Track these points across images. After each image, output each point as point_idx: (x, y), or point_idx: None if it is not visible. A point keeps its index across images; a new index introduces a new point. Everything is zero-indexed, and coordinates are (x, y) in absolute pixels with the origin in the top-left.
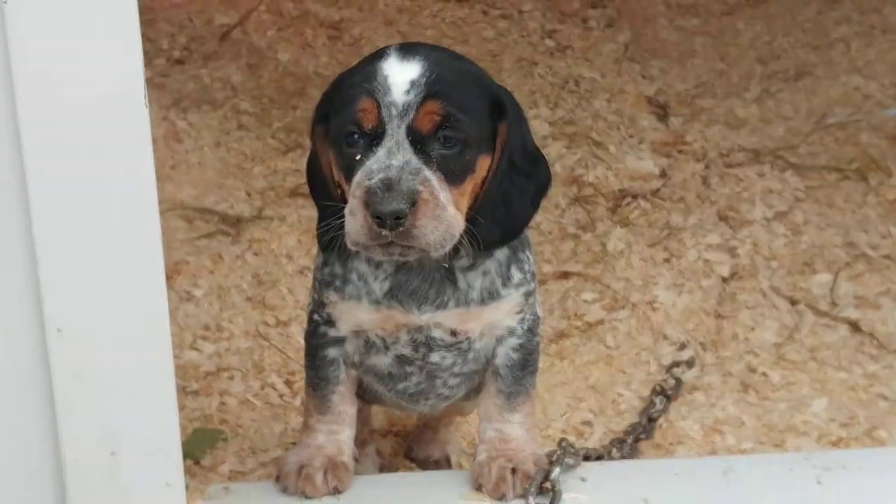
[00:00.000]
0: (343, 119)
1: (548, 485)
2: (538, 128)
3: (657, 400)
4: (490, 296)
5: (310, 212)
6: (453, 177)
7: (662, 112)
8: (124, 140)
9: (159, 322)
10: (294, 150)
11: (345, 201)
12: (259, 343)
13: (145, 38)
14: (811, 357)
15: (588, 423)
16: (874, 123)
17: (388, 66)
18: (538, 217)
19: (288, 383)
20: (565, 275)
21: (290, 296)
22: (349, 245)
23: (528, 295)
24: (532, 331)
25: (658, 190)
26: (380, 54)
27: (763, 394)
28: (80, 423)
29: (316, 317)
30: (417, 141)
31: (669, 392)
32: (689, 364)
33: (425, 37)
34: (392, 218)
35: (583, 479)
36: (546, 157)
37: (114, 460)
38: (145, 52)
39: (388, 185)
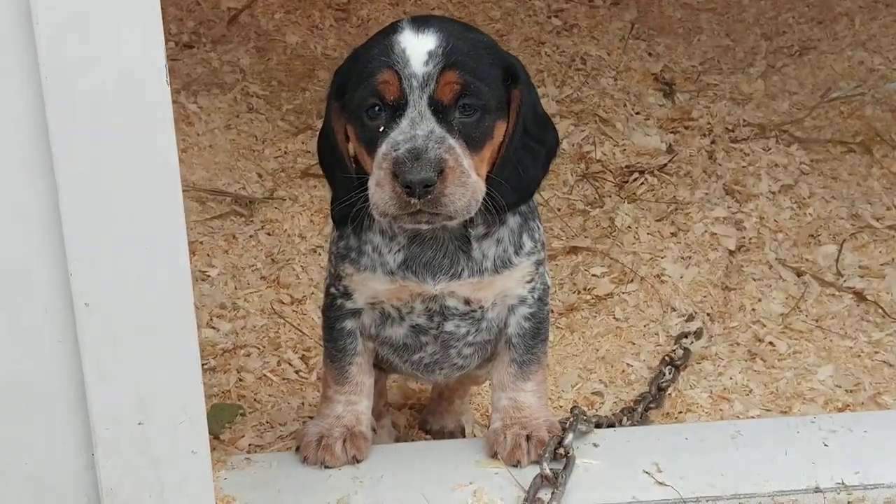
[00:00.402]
0: (364, 92)
1: (561, 450)
2: (546, 106)
3: (666, 370)
4: (503, 264)
5: (321, 192)
6: (474, 143)
7: (668, 89)
8: (147, 118)
9: (182, 295)
10: (304, 131)
11: (361, 176)
12: (274, 320)
13: None
14: (817, 326)
15: (599, 394)
16: (878, 97)
17: (404, 39)
18: (547, 194)
19: (304, 359)
20: (574, 250)
21: (304, 274)
22: (376, 216)
23: (538, 264)
24: (542, 300)
25: (665, 165)
26: (393, 28)
27: (770, 362)
28: (109, 394)
29: (333, 290)
30: (439, 110)
31: (678, 362)
32: (697, 335)
33: None
34: (422, 186)
35: (595, 445)
36: None
37: (141, 430)
38: None
39: (416, 155)
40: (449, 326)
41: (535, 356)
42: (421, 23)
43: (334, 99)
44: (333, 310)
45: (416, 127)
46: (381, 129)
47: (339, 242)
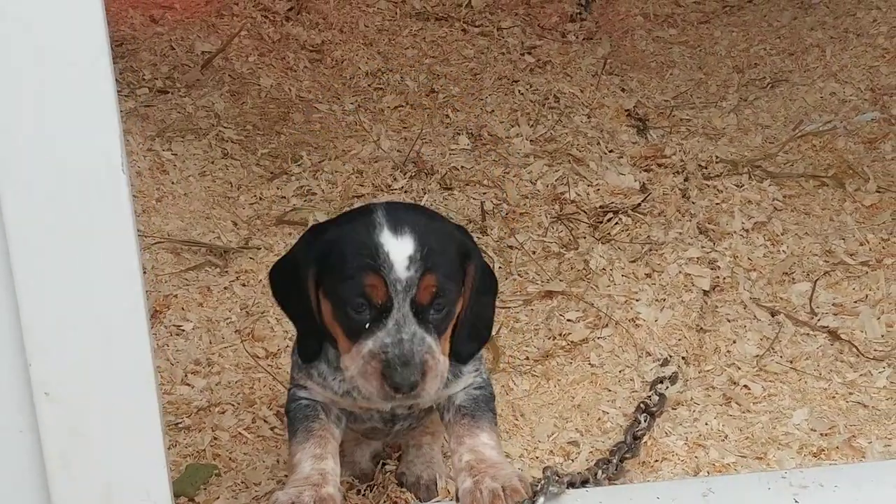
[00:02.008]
0: (350, 290)
1: None
2: (520, 146)
3: (641, 418)
4: (446, 385)
5: (296, 239)
6: (442, 331)
7: (642, 125)
8: (105, 208)
9: (145, 379)
10: (279, 176)
11: (325, 328)
12: (250, 376)
13: (128, 68)
14: (791, 367)
15: (575, 444)
16: (850, 129)
17: (385, 241)
18: (522, 237)
19: (279, 415)
20: (549, 294)
21: (279, 326)
22: (357, 398)
23: (478, 361)
24: (487, 382)
25: (639, 205)
26: (371, 222)
27: (745, 406)
28: (72, 483)
29: (293, 390)
30: (418, 312)
31: (653, 409)
32: (672, 379)
33: (405, 57)
34: (408, 388)
35: None
36: (528, 175)
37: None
38: (128, 83)
39: (405, 361)
40: (400, 425)
41: (487, 414)
42: (396, 220)
43: (312, 265)
44: (294, 401)
45: (402, 330)
46: (366, 325)
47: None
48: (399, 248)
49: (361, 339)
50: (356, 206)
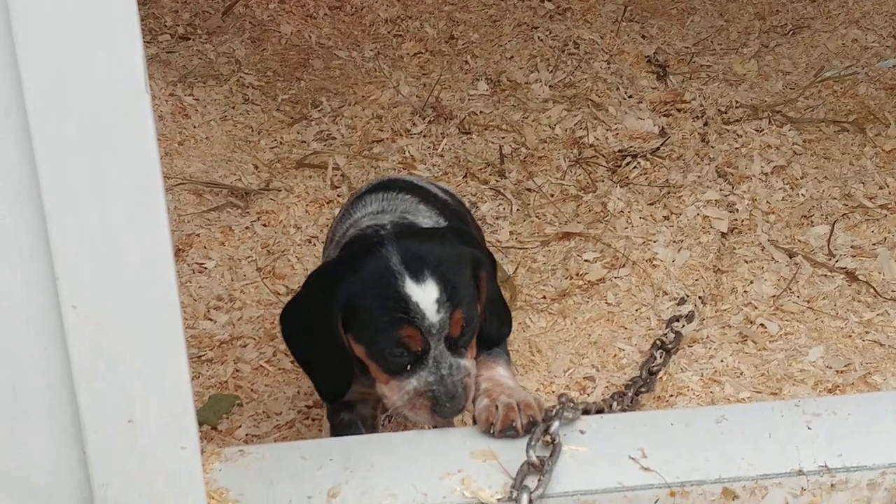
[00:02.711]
0: (386, 341)
1: (548, 438)
2: (538, 92)
3: (657, 354)
4: None
5: (316, 182)
6: (470, 344)
7: (662, 71)
8: (128, 125)
9: (169, 294)
10: (299, 121)
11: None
12: (270, 312)
13: (150, 15)
14: (808, 307)
15: (590, 379)
16: (872, 75)
17: (411, 292)
18: (540, 179)
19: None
20: (567, 235)
21: (299, 265)
22: (402, 421)
23: None
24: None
25: (657, 149)
26: (387, 269)
27: (761, 344)
28: (97, 394)
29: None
30: (451, 344)
31: (669, 346)
32: (689, 318)
33: (425, 4)
34: (457, 414)
35: (582, 432)
36: (547, 120)
37: (131, 427)
38: (150, 29)
39: (452, 395)
40: None
41: (502, 354)
42: (413, 262)
43: (337, 313)
44: (338, 422)
45: (441, 366)
46: (407, 367)
47: None
48: (426, 296)
49: (402, 376)
50: (376, 180)
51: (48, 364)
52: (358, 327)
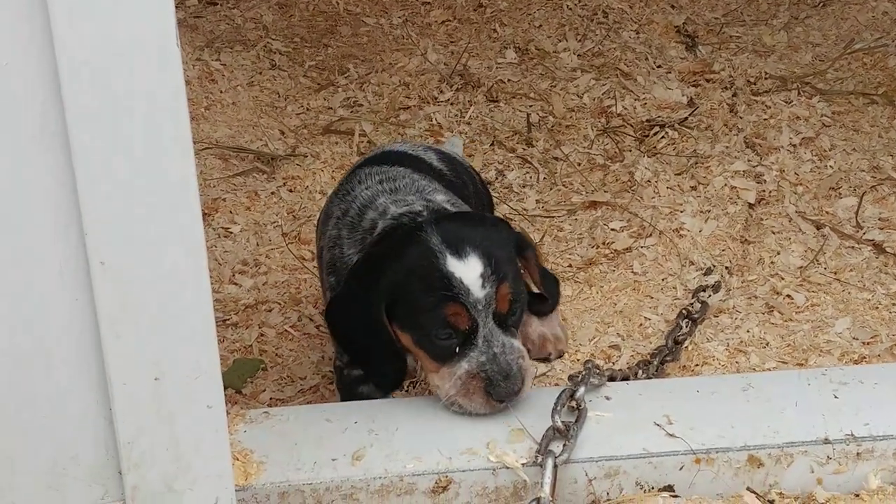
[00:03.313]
0: (432, 322)
1: (573, 403)
2: (566, 60)
3: (683, 323)
4: None
5: (342, 148)
6: (520, 324)
7: (691, 41)
8: (159, 80)
9: (197, 254)
10: (326, 87)
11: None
12: (295, 276)
13: None
14: (835, 278)
15: (616, 347)
16: None
17: (454, 268)
18: (567, 148)
19: (324, 314)
20: (594, 204)
21: None
22: (459, 412)
23: None
24: None
25: (685, 119)
26: (427, 249)
27: (787, 315)
28: (125, 351)
29: (338, 363)
30: (501, 321)
31: (695, 315)
32: (715, 288)
33: None
34: (513, 395)
35: (607, 398)
36: (575, 89)
37: (157, 385)
38: None
39: (506, 374)
40: None
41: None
42: (453, 240)
43: (381, 301)
44: (343, 380)
45: (492, 345)
46: (455, 350)
47: None
48: (469, 271)
49: (452, 361)
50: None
51: (76, 320)
52: (403, 314)
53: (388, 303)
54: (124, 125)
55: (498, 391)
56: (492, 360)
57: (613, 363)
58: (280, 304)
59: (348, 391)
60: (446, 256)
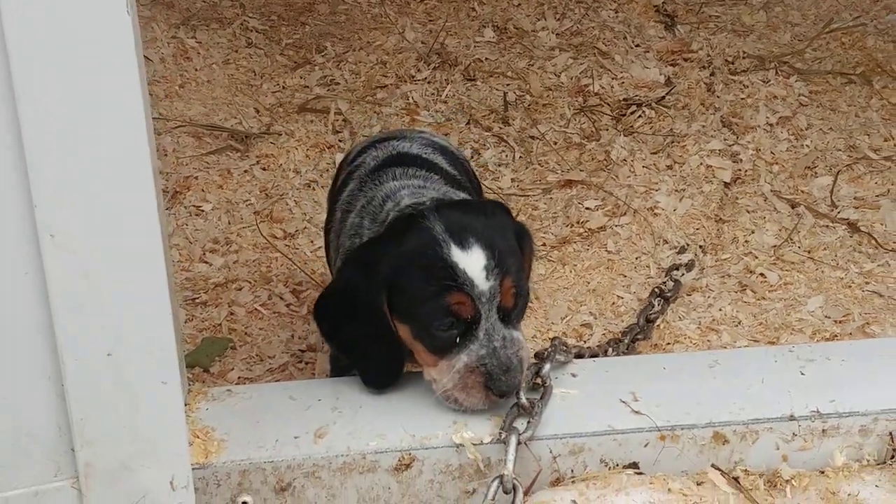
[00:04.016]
0: (434, 311)
1: (538, 380)
2: (545, 39)
3: (655, 302)
4: None
5: (318, 126)
6: (522, 318)
7: (670, 21)
8: (109, 48)
9: (150, 223)
10: (302, 66)
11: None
12: (267, 255)
13: None
14: (809, 257)
15: (588, 326)
16: (881, 28)
17: (458, 258)
18: (543, 127)
19: (295, 293)
20: (569, 183)
21: (297, 208)
22: (456, 408)
23: None
24: None
25: (663, 98)
26: (431, 238)
27: (760, 294)
28: (77, 326)
29: (334, 352)
30: (504, 315)
31: (668, 294)
32: (689, 267)
33: None
34: (513, 389)
35: (573, 375)
36: (552, 67)
37: (111, 361)
38: None
39: (506, 369)
40: None
41: None
42: (456, 230)
43: (382, 291)
44: (338, 361)
45: (493, 338)
46: (455, 341)
47: None
48: (473, 262)
49: (451, 354)
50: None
51: (27, 294)
52: (403, 303)
53: (389, 293)
54: (75, 95)
55: (498, 385)
56: (492, 354)
57: (585, 341)
58: (250, 282)
59: (340, 372)
60: (450, 246)
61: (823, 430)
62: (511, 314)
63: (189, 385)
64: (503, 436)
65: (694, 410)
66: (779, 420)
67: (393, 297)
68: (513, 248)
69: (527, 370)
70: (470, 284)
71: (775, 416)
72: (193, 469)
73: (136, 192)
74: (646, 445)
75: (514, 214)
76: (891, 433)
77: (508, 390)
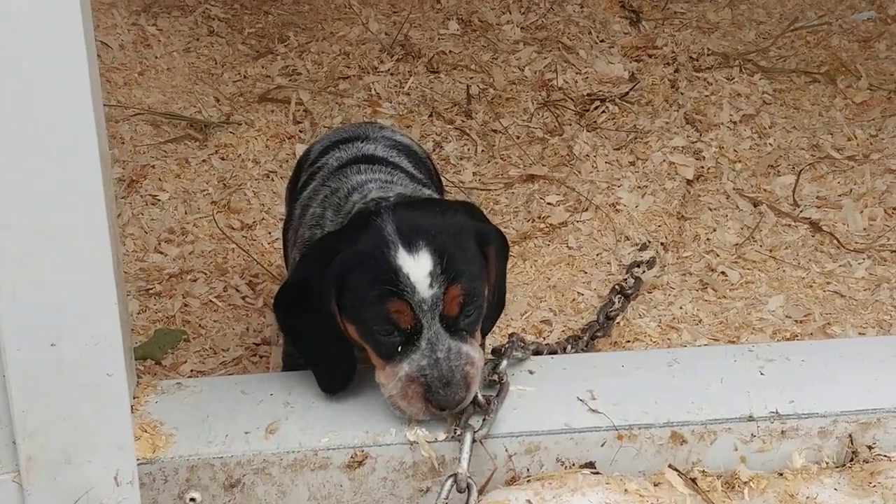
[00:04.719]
0: (374, 316)
1: (495, 376)
2: (509, 33)
3: (616, 299)
4: None
5: (278, 117)
6: (475, 329)
7: (635, 17)
8: (55, 31)
9: (96, 212)
10: (265, 55)
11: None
12: (223, 246)
13: None
14: (770, 256)
15: (547, 322)
16: (846, 27)
17: (402, 262)
18: (506, 121)
19: (251, 285)
20: (531, 178)
21: (256, 199)
22: (399, 415)
23: None
24: None
25: (626, 94)
26: (381, 238)
27: (721, 292)
28: (19, 314)
29: (288, 348)
30: (450, 325)
31: (629, 291)
32: (650, 264)
33: None
34: (454, 404)
35: (531, 372)
36: (516, 61)
37: (54, 351)
38: None
39: (447, 382)
40: None
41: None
42: (408, 232)
43: (331, 288)
44: (293, 359)
45: (436, 349)
46: (398, 349)
47: None
48: (418, 267)
49: (395, 360)
50: (351, 124)
51: None
52: (349, 304)
53: (337, 291)
54: (19, 74)
55: (437, 399)
56: (433, 365)
57: (544, 338)
58: (206, 273)
59: (291, 369)
60: (398, 248)
61: (782, 432)
62: (458, 324)
63: (138, 378)
64: (458, 433)
65: (652, 410)
66: (737, 420)
67: (341, 297)
68: (469, 254)
69: (479, 382)
70: (411, 291)
71: (734, 416)
72: (140, 464)
73: (78, 176)
74: (603, 445)
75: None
76: (850, 435)
77: (448, 405)
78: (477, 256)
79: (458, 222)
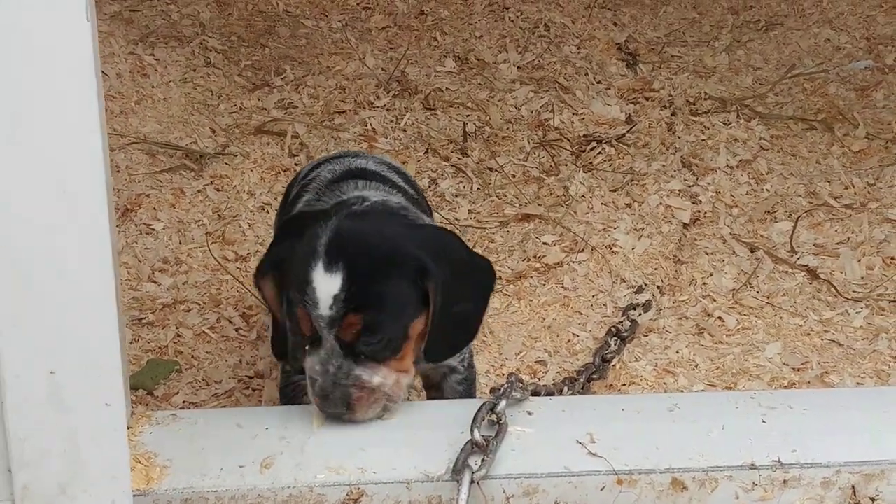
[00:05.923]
0: (287, 310)
1: (493, 417)
2: (506, 72)
3: (612, 341)
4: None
5: (273, 149)
6: (387, 356)
7: (631, 59)
8: (64, 58)
9: (100, 241)
10: (261, 87)
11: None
12: (217, 277)
13: None
14: (767, 302)
15: (542, 363)
16: (843, 75)
17: (315, 277)
18: (502, 160)
19: (244, 317)
20: (527, 217)
21: (250, 231)
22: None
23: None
24: (471, 365)
25: (623, 135)
26: (313, 246)
27: (717, 337)
28: (19, 341)
29: (286, 367)
30: (345, 346)
31: (625, 334)
32: (646, 307)
33: None
34: (335, 417)
35: (529, 413)
36: (513, 100)
37: (53, 379)
38: None
39: (325, 395)
40: None
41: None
42: (335, 248)
43: (269, 267)
44: (290, 388)
45: (328, 363)
46: (305, 347)
47: None
48: (326, 286)
49: (306, 354)
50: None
51: None
52: (284, 287)
53: (276, 275)
54: (27, 97)
55: (319, 406)
56: (322, 374)
57: (539, 379)
58: (199, 304)
59: (289, 401)
60: (318, 262)
61: (784, 481)
62: (354, 349)
63: (132, 408)
64: (456, 473)
65: (652, 455)
66: (739, 468)
67: (281, 276)
68: (389, 285)
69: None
70: (313, 305)
71: (735, 463)
72: (134, 496)
73: (84, 205)
74: (602, 489)
75: (471, 247)
76: (853, 486)
77: (329, 414)
78: (404, 289)
79: (395, 250)
